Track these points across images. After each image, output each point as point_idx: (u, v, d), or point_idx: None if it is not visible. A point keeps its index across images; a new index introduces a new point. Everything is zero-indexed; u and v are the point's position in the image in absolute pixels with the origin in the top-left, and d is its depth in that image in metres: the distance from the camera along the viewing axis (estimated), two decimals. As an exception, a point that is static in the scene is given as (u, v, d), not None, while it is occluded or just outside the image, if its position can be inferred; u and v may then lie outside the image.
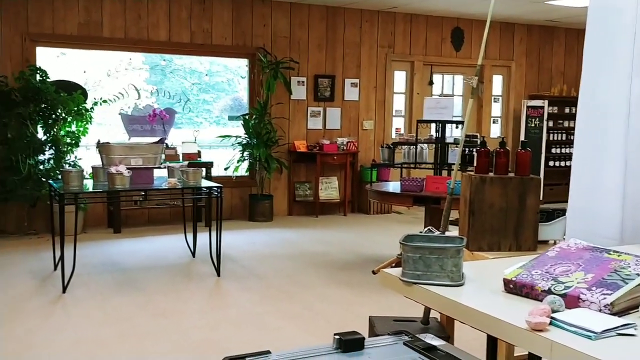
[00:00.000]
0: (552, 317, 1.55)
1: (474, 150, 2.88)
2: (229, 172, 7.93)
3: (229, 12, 7.90)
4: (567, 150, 9.61)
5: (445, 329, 3.14)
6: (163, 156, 5.43)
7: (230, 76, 9.64)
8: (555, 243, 2.69)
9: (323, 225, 7.82)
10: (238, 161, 7.94)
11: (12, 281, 5.07)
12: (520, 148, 2.77)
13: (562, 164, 9.58)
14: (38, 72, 6.72)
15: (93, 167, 5.24)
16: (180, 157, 7.33)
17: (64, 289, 4.76)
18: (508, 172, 2.73)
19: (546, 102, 9.26)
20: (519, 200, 2.66)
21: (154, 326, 4.12)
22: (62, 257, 4.80)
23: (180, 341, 3.87)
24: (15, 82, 6.62)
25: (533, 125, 9.24)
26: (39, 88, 6.57)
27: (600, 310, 1.60)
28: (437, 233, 2.69)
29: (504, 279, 1.84)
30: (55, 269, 5.30)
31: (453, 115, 6.21)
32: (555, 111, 9.71)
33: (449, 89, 9.63)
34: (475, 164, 2.80)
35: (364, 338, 1.67)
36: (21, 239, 6.66)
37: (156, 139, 6.79)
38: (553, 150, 9.70)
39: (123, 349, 3.71)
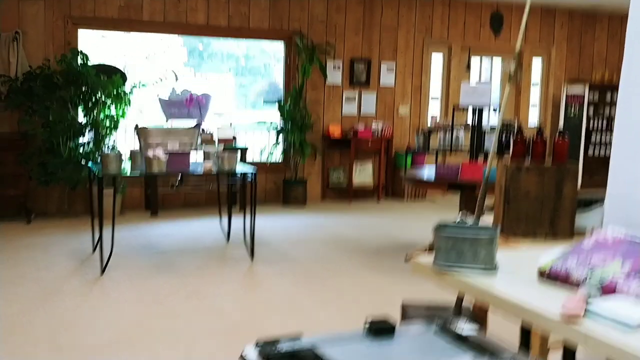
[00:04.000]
0: (587, 308, 1.53)
1: (511, 137, 2.83)
2: (264, 157, 7.98)
3: (265, -4, 7.91)
4: (608, 138, 9.36)
5: (478, 317, 3.11)
6: (199, 140, 5.50)
7: (267, 60, 9.67)
8: (592, 232, 2.64)
9: (356, 211, 7.82)
10: (272, 146, 7.98)
11: (52, 262, 5.23)
12: (558, 135, 2.72)
13: (602, 152, 9.34)
14: (79, 55, 6.83)
15: (131, 151, 5.34)
16: (216, 142, 7.40)
17: (103, 270, 4.89)
18: (545, 160, 2.68)
19: (587, 88, 9.03)
20: (555, 189, 2.62)
21: (189, 307, 4.20)
22: (100, 239, 4.92)
23: (213, 322, 3.94)
24: (57, 65, 6.75)
25: (572, 112, 9.03)
26: (80, 71, 6.69)
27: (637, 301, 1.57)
28: (470, 221, 2.67)
29: (539, 268, 1.82)
30: (94, 250, 5.44)
31: (490, 101, 6.11)
32: (596, 98, 9.46)
33: (486, 75, 9.47)
34: (511, 151, 2.76)
35: (394, 325, 1.68)
36: (61, 220, 6.84)
37: (193, 123, 6.88)
38: (593, 138, 9.46)
39: (158, 329, 3.80)
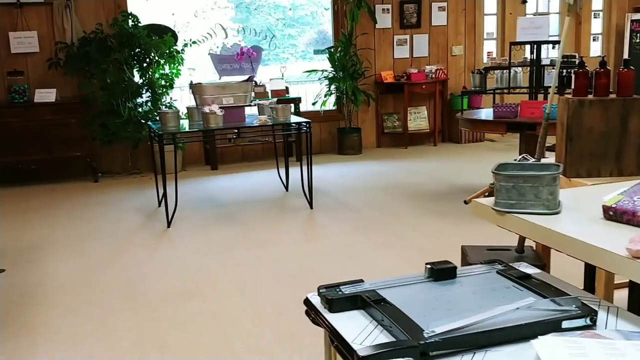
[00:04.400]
0: (655, 244, 1.49)
1: (572, 71, 2.72)
2: (317, 107, 7.97)
3: (309, -59, 7.72)
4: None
5: (541, 258, 3.08)
6: (253, 94, 5.53)
7: (314, 9, 9.52)
8: (661, 167, 2.54)
9: (413, 156, 7.76)
10: (325, 95, 7.95)
11: (121, 217, 5.46)
12: (622, 67, 2.59)
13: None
14: (130, 17, 6.93)
15: (188, 108, 5.43)
16: (269, 94, 7.44)
17: (169, 223, 5.08)
18: (609, 94, 2.57)
19: (654, 14, 8.50)
20: (620, 123, 2.52)
21: (252, 256, 4.33)
22: (164, 194, 5.09)
23: (276, 269, 4.05)
24: (110, 28, 6.88)
25: (638, 40, 8.55)
26: (132, 33, 6.80)
27: None
28: (532, 161, 2.61)
29: (604, 206, 1.78)
30: (159, 205, 5.64)
31: (549, 35, 5.87)
32: (665, 24, 8.90)
33: (544, 7, 9.03)
34: (573, 86, 2.66)
35: (456, 267, 1.69)
36: (126, 178, 7.10)
37: (245, 77, 6.91)
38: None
39: (225, 277, 3.94)
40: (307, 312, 1.57)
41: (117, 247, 4.66)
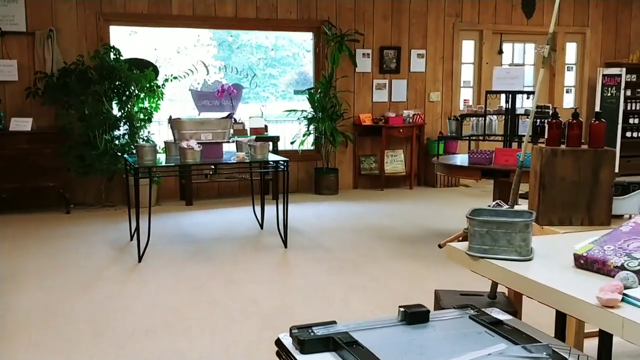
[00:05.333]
0: (624, 294, 1.51)
1: (546, 121, 2.79)
2: (295, 146, 8.01)
3: (294, -15, 7.90)
4: (647, 121, 9.13)
5: (513, 304, 3.09)
6: (231, 131, 5.55)
7: (296, 50, 9.68)
8: (630, 218, 2.59)
9: (389, 199, 7.81)
10: (304, 135, 8.01)
11: (92, 250, 5.36)
12: (594, 119, 2.67)
13: (641, 135, 9.11)
14: (112, 50, 6.96)
15: (165, 142, 5.42)
16: (248, 132, 7.47)
17: (140, 258, 5.00)
18: (581, 144, 2.63)
19: (624, 69, 8.75)
20: (592, 174, 2.57)
21: (224, 294, 4.27)
22: (137, 228, 5.02)
23: (248, 308, 3.99)
24: (91, 60, 6.89)
25: (609, 94, 8.79)
26: (113, 66, 6.81)
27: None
28: (505, 207, 2.65)
29: (575, 254, 1.80)
30: (131, 239, 5.56)
31: (524, 86, 6.02)
32: (634, 79, 9.21)
33: (519, 58, 9.31)
34: (546, 136, 2.72)
35: (429, 311, 1.68)
36: (99, 210, 7.00)
37: (225, 114, 6.94)
38: (631, 121, 9.23)
39: (195, 315, 3.87)
40: (278, 353, 1.55)
41: (85, 280, 4.56)
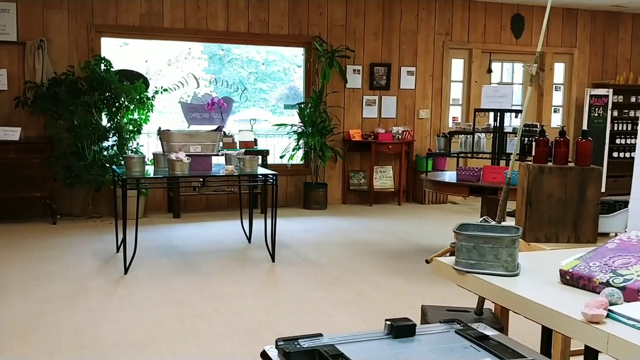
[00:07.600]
0: (609, 310, 1.52)
1: (533, 139, 2.81)
2: (285, 160, 8.02)
3: (285, 1, 7.95)
4: (632, 141, 9.22)
5: (499, 320, 3.10)
6: (221, 144, 5.55)
7: (287, 65, 9.71)
8: (616, 235, 2.61)
9: (377, 215, 7.82)
10: (293, 149, 8.02)
11: (77, 262, 5.31)
12: (581, 137, 2.70)
13: (627, 155, 9.22)
14: (102, 62, 6.95)
15: (154, 154, 5.41)
16: (237, 145, 7.46)
17: (126, 270, 4.96)
18: (568, 162, 2.66)
19: (610, 90, 8.92)
20: (578, 191, 2.60)
21: (210, 307, 4.24)
22: (124, 240, 4.99)
23: (234, 322, 3.97)
24: (81, 71, 6.88)
25: (596, 114, 8.93)
26: (103, 77, 6.80)
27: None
28: (493, 223, 2.66)
29: (561, 270, 1.81)
30: (117, 251, 5.51)
31: (512, 104, 6.07)
32: (621, 100, 9.34)
33: (508, 77, 9.41)
34: (534, 154, 2.75)
35: (415, 324, 1.68)
36: (86, 221, 6.95)
37: (214, 127, 6.94)
38: (617, 141, 9.33)
39: (180, 328, 3.84)
40: (263, 366, 1.54)
41: (70, 291, 4.52)
